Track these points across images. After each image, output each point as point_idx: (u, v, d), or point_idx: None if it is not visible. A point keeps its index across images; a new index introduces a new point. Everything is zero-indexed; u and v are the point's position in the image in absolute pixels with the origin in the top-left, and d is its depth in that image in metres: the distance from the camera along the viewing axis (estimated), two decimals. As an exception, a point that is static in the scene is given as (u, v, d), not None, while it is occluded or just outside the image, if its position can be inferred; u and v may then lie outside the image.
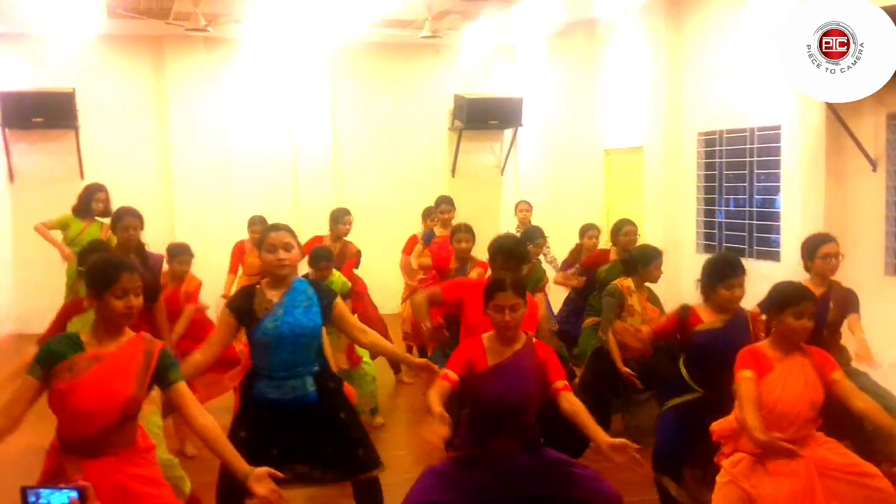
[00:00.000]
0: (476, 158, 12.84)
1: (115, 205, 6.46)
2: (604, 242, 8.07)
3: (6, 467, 4.94)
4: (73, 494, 2.49)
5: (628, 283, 6.19)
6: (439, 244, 7.74)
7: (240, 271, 8.26)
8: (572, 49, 11.38)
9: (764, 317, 4.27)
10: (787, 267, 6.75)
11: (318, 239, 7.70)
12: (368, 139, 12.30)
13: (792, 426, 3.78)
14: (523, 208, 9.41)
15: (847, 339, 5.30)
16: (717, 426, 4.01)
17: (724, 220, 8.97)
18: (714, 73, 8.85)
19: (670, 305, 5.42)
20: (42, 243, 8.00)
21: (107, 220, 6.80)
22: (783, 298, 3.91)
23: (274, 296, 4.12)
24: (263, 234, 4.27)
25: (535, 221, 9.72)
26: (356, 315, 6.91)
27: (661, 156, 9.59)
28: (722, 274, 4.59)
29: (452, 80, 12.43)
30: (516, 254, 5.21)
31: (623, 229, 7.23)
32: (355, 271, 7.94)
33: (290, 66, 11.84)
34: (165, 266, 6.50)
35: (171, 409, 4.60)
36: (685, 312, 4.74)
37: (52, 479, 3.25)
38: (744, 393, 3.80)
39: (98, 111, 11.08)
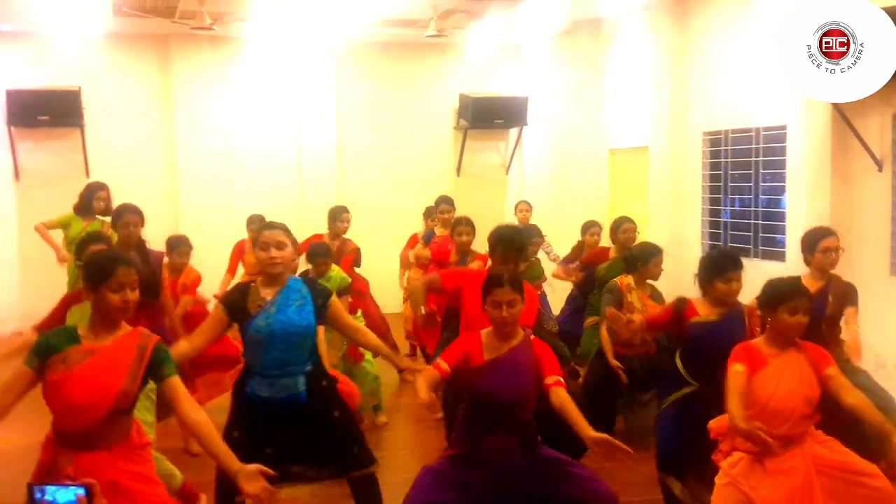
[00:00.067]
0: (481, 158, 12.83)
1: (119, 203, 6.45)
2: (605, 240, 8.07)
3: (6, 465, 4.94)
4: (80, 491, 2.49)
5: (628, 280, 6.19)
6: (439, 244, 7.74)
7: (241, 270, 8.26)
8: (577, 48, 11.37)
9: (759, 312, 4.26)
10: (793, 267, 6.72)
11: (317, 237, 7.70)
12: (373, 138, 12.29)
13: (787, 422, 3.77)
14: (523, 208, 9.41)
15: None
16: (714, 423, 4.00)
17: (730, 220, 8.95)
18: (719, 72, 8.83)
19: (674, 305, 5.40)
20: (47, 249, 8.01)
21: (108, 219, 6.81)
22: (777, 295, 3.90)
23: (268, 294, 4.12)
24: (258, 232, 4.29)
25: (540, 221, 9.71)
26: (358, 312, 6.98)
27: (666, 155, 9.57)
28: (719, 268, 4.60)
29: (457, 80, 12.42)
30: (516, 244, 5.20)
31: (622, 227, 7.24)
32: (357, 270, 7.93)
33: (295, 64, 11.84)
34: (166, 260, 6.52)
35: (168, 410, 4.64)
36: (681, 305, 4.76)
37: (46, 471, 3.27)
38: (731, 384, 3.80)
39: (104, 109, 11.10)
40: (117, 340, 3.32)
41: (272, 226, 4.28)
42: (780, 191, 8.10)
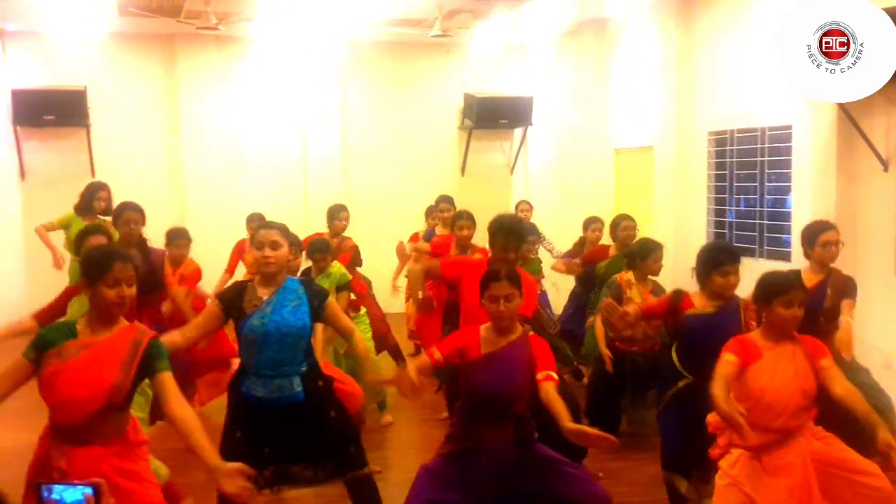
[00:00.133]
0: (486, 157, 12.83)
1: (120, 202, 6.47)
2: (606, 238, 8.08)
3: (7, 465, 4.95)
4: (88, 491, 2.49)
5: (628, 276, 6.20)
6: (439, 243, 7.74)
7: (243, 270, 8.25)
8: (582, 48, 11.36)
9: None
10: (798, 266, 6.70)
11: (318, 236, 7.70)
12: (378, 138, 12.30)
13: (783, 415, 3.76)
14: (524, 208, 9.40)
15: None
16: (712, 418, 3.99)
17: (735, 220, 8.94)
18: (725, 72, 8.82)
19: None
20: (55, 240, 8.01)
21: (109, 219, 6.83)
22: (772, 288, 3.90)
23: (264, 293, 4.12)
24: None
25: (545, 220, 9.73)
26: (362, 310, 6.96)
27: (671, 155, 9.56)
28: (717, 261, 4.62)
29: (462, 79, 12.43)
30: (517, 232, 5.19)
31: (621, 224, 7.27)
32: (360, 270, 7.92)
33: (300, 64, 11.85)
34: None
35: (159, 414, 4.66)
36: (678, 297, 4.79)
37: (41, 465, 3.29)
38: (719, 371, 3.80)
39: (109, 109, 11.12)
40: (113, 335, 3.34)
41: (269, 225, 4.29)
42: (786, 190, 8.09)
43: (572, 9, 10.40)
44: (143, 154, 11.45)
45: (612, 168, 11.24)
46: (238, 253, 8.30)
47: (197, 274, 7.18)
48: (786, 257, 7.77)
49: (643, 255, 6.17)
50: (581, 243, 8.20)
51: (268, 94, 11.87)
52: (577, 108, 11.42)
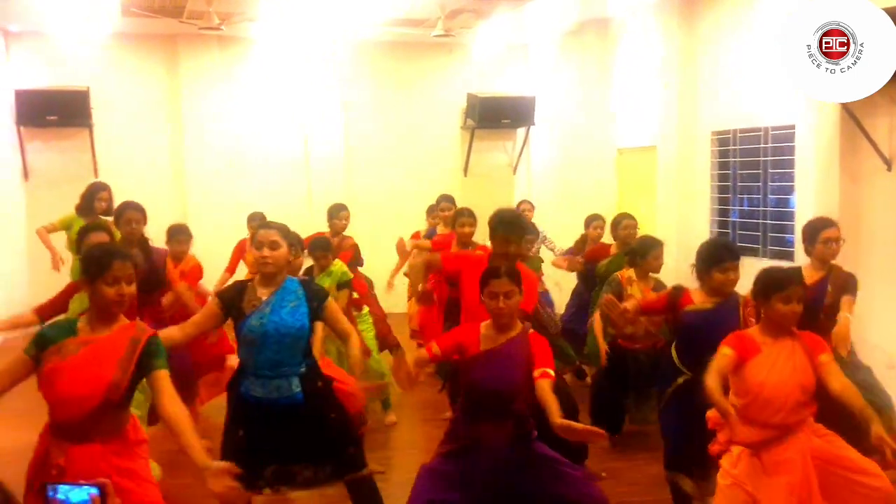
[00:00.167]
0: (488, 157, 12.82)
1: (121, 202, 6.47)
2: (608, 237, 8.09)
3: (9, 465, 4.95)
4: (94, 491, 2.49)
5: (629, 273, 6.21)
6: (441, 241, 7.75)
7: (245, 269, 8.25)
8: (585, 48, 11.35)
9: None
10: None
11: (320, 235, 7.71)
12: (381, 138, 12.30)
13: (781, 411, 3.75)
14: (525, 207, 9.39)
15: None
16: (712, 413, 3.99)
17: (738, 220, 8.93)
18: (728, 72, 8.81)
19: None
20: (57, 240, 8.02)
21: (110, 219, 6.83)
22: (770, 284, 3.90)
23: (264, 294, 4.11)
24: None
25: (547, 220, 9.71)
26: (365, 309, 6.96)
27: (674, 155, 9.55)
28: (716, 257, 4.62)
29: (465, 79, 12.41)
30: (517, 224, 5.19)
31: (622, 223, 7.29)
32: (362, 269, 7.92)
33: (302, 64, 11.86)
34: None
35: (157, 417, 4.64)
36: (677, 292, 4.79)
37: (41, 462, 3.30)
38: (714, 364, 3.81)
39: (112, 109, 11.13)
40: (112, 333, 3.34)
41: (268, 225, 4.28)
42: (789, 190, 8.08)
43: (575, 8, 10.39)
44: (145, 154, 11.45)
45: (615, 168, 11.24)
46: (239, 252, 8.30)
47: (197, 270, 7.19)
48: (789, 257, 7.76)
49: (643, 253, 6.19)
50: (582, 241, 8.22)
51: (270, 94, 11.87)
52: (579, 108, 11.42)
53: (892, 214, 6.90)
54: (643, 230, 7.50)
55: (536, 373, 3.84)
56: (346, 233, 7.86)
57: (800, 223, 7.50)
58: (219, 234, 9.84)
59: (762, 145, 8.46)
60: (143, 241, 6.01)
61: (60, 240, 7.97)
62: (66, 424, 3.27)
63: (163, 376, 3.31)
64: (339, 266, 6.51)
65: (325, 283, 6.11)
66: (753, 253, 8.32)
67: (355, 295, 6.73)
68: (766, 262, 7.74)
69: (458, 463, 3.95)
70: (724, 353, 3.84)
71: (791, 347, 3.85)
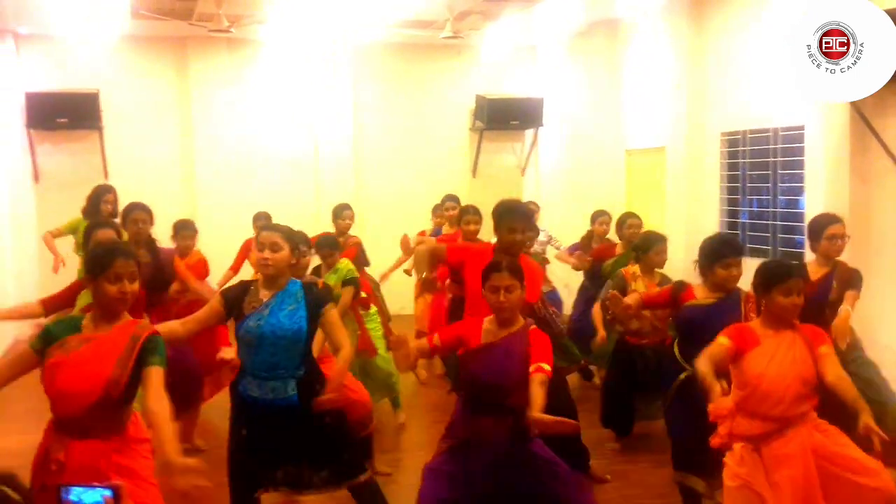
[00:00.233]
0: (497, 159, 12.83)
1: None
2: (613, 234, 8.12)
3: (14, 466, 4.98)
4: (107, 493, 2.50)
5: (634, 269, 6.24)
6: (446, 240, 7.76)
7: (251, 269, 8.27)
8: (594, 49, 11.34)
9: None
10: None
11: (326, 234, 7.73)
12: (389, 140, 12.31)
13: (782, 403, 3.74)
14: (531, 208, 9.38)
15: (854, 322, 5.26)
16: (713, 406, 3.98)
17: (748, 221, 8.90)
18: (737, 72, 8.80)
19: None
20: (66, 243, 8.05)
21: (117, 221, 6.86)
22: (771, 276, 3.89)
23: (266, 295, 4.11)
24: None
25: (556, 222, 9.71)
26: (372, 309, 6.96)
27: (683, 156, 9.53)
28: (719, 253, 4.62)
29: (473, 81, 12.42)
30: (521, 211, 5.17)
31: (627, 222, 7.34)
32: (368, 270, 7.95)
33: (311, 66, 11.88)
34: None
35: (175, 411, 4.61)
36: (679, 288, 4.81)
37: (43, 458, 3.32)
38: (708, 349, 3.82)
39: (122, 112, 11.17)
40: (114, 330, 3.36)
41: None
42: (799, 191, 8.06)
43: (583, 10, 10.37)
44: (155, 156, 11.48)
45: (624, 169, 11.22)
46: (245, 251, 8.34)
47: (202, 265, 7.24)
48: (799, 258, 7.73)
49: (646, 248, 6.22)
50: (589, 237, 8.26)
51: (279, 95, 11.90)
52: (588, 109, 11.41)
53: (903, 215, 6.89)
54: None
55: (532, 368, 3.83)
56: (356, 234, 7.87)
57: (810, 224, 7.51)
58: (228, 235, 9.85)
59: (772, 146, 8.44)
60: (151, 242, 6.04)
61: (68, 244, 8.00)
62: (66, 420, 3.29)
63: (155, 372, 3.30)
64: (345, 264, 6.52)
65: (332, 280, 6.12)
66: (763, 254, 8.29)
67: (363, 294, 6.73)
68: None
69: (459, 460, 3.95)
70: (720, 342, 3.85)
71: (791, 339, 3.84)
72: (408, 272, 8.72)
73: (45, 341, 3.32)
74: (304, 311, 4.08)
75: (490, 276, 3.97)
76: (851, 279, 5.23)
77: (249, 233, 8.58)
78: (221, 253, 8.49)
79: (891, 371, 5.51)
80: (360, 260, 7.63)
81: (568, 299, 8.70)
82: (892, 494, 3.65)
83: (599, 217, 8.29)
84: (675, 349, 4.79)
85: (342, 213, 7.97)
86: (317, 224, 9.60)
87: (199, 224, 10.04)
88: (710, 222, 9.24)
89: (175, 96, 11.64)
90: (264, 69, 11.87)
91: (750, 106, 8.59)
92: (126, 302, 3.37)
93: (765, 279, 3.91)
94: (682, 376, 4.65)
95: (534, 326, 4.05)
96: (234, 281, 7.75)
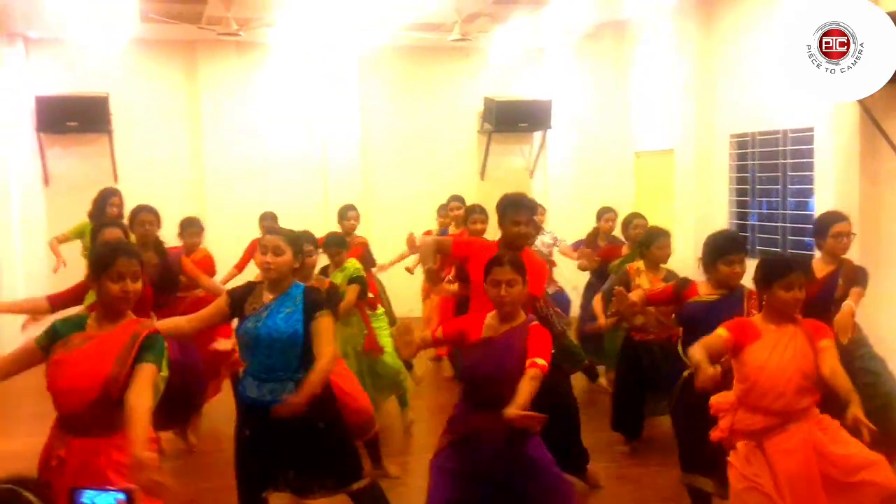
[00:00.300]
0: (505, 161, 12.82)
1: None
2: (618, 230, 8.12)
3: (22, 468, 5.00)
4: (121, 497, 2.50)
5: (638, 264, 6.25)
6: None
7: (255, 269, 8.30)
8: (602, 51, 11.34)
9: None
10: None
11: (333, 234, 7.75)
12: (397, 142, 12.33)
13: (783, 397, 3.73)
14: (538, 211, 9.39)
15: (860, 319, 5.25)
16: (715, 400, 3.99)
17: (758, 223, 8.87)
18: (746, 74, 8.77)
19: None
20: (74, 248, 8.08)
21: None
22: (771, 271, 3.89)
23: (269, 298, 4.12)
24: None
25: (564, 224, 9.69)
26: (380, 310, 6.97)
27: (692, 158, 9.52)
28: (722, 250, 4.63)
29: (482, 83, 12.42)
30: (525, 204, 5.17)
31: (633, 222, 7.35)
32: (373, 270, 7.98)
33: (320, 69, 11.90)
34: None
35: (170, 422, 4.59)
36: (683, 284, 4.83)
37: (47, 455, 3.34)
38: (705, 339, 3.82)
39: (131, 115, 11.20)
40: (116, 329, 3.37)
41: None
42: (809, 193, 8.03)
43: (591, 12, 10.36)
44: (164, 159, 11.51)
45: (633, 171, 11.21)
46: (251, 250, 8.36)
47: (208, 261, 7.28)
48: (809, 260, 7.71)
49: (648, 242, 6.23)
50: (594, 233, 8.28)
51: (288, 98, 11.92)
52: (596, 112, 11.40)
53: (913, 217, 6.86)
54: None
55: (527, 362, 3.82)
56: (363, 235, 7.89)
57: (819, 226, 7.47)
58: (237, 237, 9.84)
59: (781, 148, 8.41)
60: (158, 243, 6.07)
61: (76, 249, 8.02)
62: (68, 417, 3.32)
63: (146, 368, 3.28)
64: (353, 263, 6.55)
65: (339, 279, 6.15)
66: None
67: (370, 295, 6.75)
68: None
69: (462, 457, 3.96)
70: (718, 334, 3.86)
71: (793, 333, 3.83)
72: (409, 270, 8.76)
73: (51, 338, 3.36)
74: (301, 315, 4.07)
75: (492, 269, 3.98)
76: (857, 277, 5.23)
77: (257, 234, 8.60)
78: (230, 255, 8.50)
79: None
80: (367, 260, 7.64)
81: (577, 301, 8.68)
82: (893, 488, 3.63)
83: (605, 214, 8.31)
84: (679, 347, 4.78)
85: (347, 214, 8.04)
86: (325, 226, 9.61)
87: (208, 226, 10.10)
88: (720, 225, 9.19)
89: (184, 99, 11.67)
90: (273, 72, 11.89)
91: (759, 107, 8.57)
92: (128, 301, 3.38)
93: (765, 274, 3.90)
94: (686, 374, 4.64)
95: (535, 322, 4.05)
96: (239, 279, 7.91)
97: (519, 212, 5.03)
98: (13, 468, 2.23)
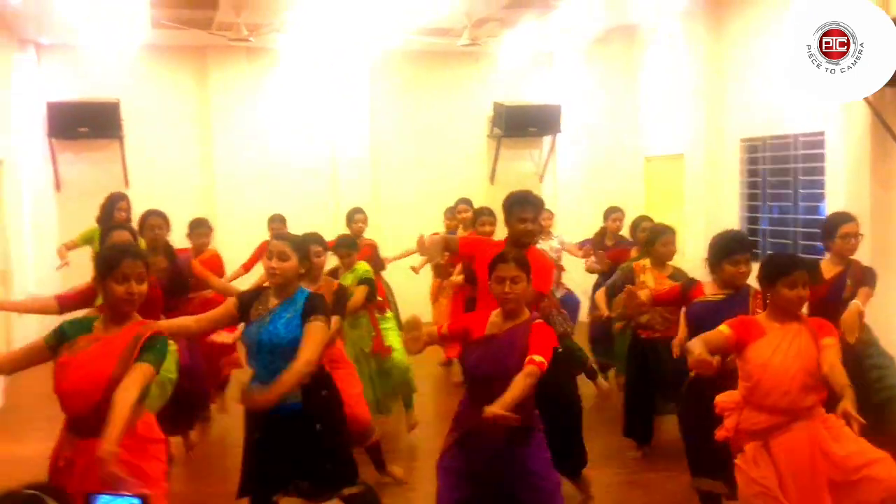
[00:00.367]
0: (515, 166, 12.81)
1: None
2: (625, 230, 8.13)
3: (28, 473, 5.01)
4: (136, 501, 2.51)
5: (644, 262, 6.25)
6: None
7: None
8: (611, 55, 11.33)
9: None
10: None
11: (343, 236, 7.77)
12: (407, 147, 12.35)
13: (788, 395, 3.71)
14: (545, 216, 9.35)
15: (870, 320, 5.24)
16: (720, 399, 3.99)
17: (769, 228, 8.84)
18: (756, 78, 8.74)
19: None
20: (84, 254, 8.09)
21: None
22: (775, 269, 3.87)
23: (274, 303, 4.13)
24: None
25: (574, 229, 9.67)
26: (388, 313, 6.97)
27: (702, 163, 9.49)
28: (728, 250, 4.63)
29: (491, 88, 12.45)
30: (531, 201, 5.15)
31: (641, 225, 7.37)
32: (382, 275, 7.99)
33: (330, 75, 11.93)
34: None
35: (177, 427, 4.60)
36: (689, 284, 4.86)
37: (56, 456, 3.37)
38: (705, 334, 3.82)
39: (142, 121, 11.27)
40: (122, 331, 3.38)
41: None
42: (820, 197, 8.00)
43: (600, 16, 10.37)
44: (175, 165, 11.57)
45: (643, 176, 11.18)
46: (260, 252, 8.38)
47: (216, 260, 7.31)
48: (820, 265, 7.67)
49: (652, 240, 6.23)
50: (602, 233, 8.29)
51: (298, 104, 11.96)
52: (606, 116, 11.39)
53: (925, 221, 6.82)
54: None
55: (526, 360, 3.79)
56: (373, 239, 7.91)
57: (831, 230, 7.44)
58: (247, 241, 9.86)
59: (792, 152, 8.38)
60: (168, 247, 6.10)
61: (86, 254, 8.03)
62: (74, 419, 3.34)
63: (143, 368, 3.28)
64: (363, 265, 6.56)
65: (348, 280, 6.16)
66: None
67: (379, 298, 6.76)
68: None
69: (466, 454, 3.97)
70: (720, 330, 3.85)
71: (797, 331, 3.82)
72: (415, 270, 8.78)
73: (59, 339, 3.38)
74: (300, 321, 4.06)
75: (496, 266, 3.98)
76: (865, 277, 5.23)
77: (268, 238, 8.63)
78: (239, 260, 8.52)
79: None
80: (376, 263, 7.66)
81: (586, 304, 8.67)
82: (887, 483, 3.61)
83: (613, 213, 8.31)
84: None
85: (354, 217, 8.08)
86: (334, 230, 9.60)
87: (218, 231, 10.13)
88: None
89: (195, 105, 11.73)
90: (283, 77, 11.94)
91: (769, 112, 8.54)
92: (133, 303, 3.39)
93: (769, 272, 3.90)
94: (692, 374, 4.62)
95: (539, 320, 4.04)
96: (245, 279, 7.94)
97: (525, 209, 5.04)
98: (28, 472, 2.24)
